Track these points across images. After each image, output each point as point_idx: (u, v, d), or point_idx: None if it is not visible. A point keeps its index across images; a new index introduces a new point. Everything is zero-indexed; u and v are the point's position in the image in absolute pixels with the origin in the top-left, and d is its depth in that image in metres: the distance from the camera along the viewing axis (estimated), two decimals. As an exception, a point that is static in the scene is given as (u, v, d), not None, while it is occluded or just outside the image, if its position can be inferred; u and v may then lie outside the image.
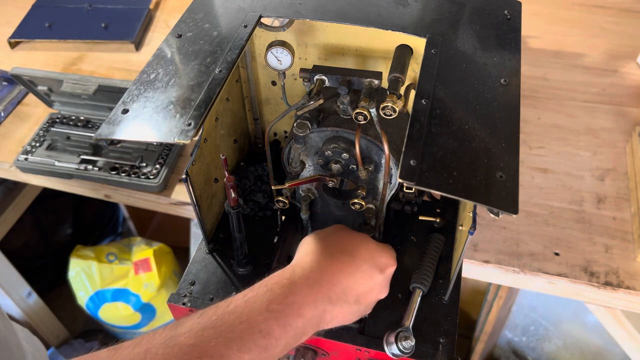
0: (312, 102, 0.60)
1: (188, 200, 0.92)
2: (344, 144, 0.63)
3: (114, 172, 1.05)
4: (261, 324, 0.50)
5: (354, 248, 0.60)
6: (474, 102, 0.55)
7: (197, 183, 0.67)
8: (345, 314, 0.57)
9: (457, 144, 0.51)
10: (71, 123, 1.14)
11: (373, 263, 0.59)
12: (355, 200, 0.64)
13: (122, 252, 1.67)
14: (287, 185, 0.67)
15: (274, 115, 0.84)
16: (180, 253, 1.81)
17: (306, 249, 0.60)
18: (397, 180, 0.66)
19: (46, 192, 1.50)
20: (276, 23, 0.70)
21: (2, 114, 1.19)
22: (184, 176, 0.63)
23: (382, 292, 0.62)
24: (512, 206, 0.48)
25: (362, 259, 0.59)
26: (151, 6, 1.44)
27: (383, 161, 0.64)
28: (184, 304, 0.67)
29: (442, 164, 0.49)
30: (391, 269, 0.62)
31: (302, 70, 0.61)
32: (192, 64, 0.59)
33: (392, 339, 0.61)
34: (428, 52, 0.59)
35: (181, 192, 1.04)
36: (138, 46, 1.35)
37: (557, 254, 0.90)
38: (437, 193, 0.53)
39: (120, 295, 1.63)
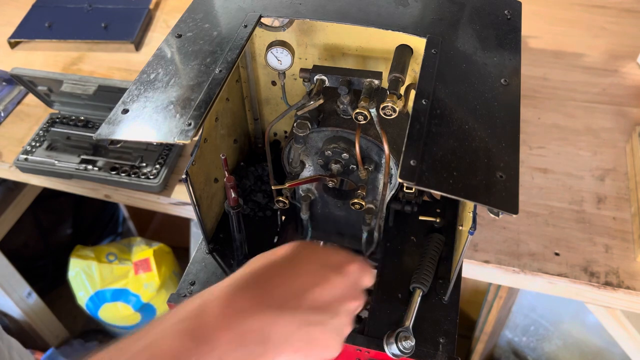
0: (312, 102, 0.60)
1: (188, 200, 0.92)
2: (344, 144, 0.63)
3: (114, 172, 1.05)
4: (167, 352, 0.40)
5: (297, 255, 0.50)
6: (474, 102, 0.55)
7: (197, 183, 0.67)
8: (298, 325, 0.45)
9: (457, 144, 0.51)
10: (71, 123, 1.14)
11: (320, 262, 0.49)
12: (355, 200, 0.64)
13: (122, 252, 1.67)
14: (287, 185, 0.67)
15: (274, 115, 0.84)
16: (180, 253, 1.81)
17: (247, 265, 0.50)
18: (397, 180, 0.66)
19: (46, 192, 1.50)
20: (276, 23, 0.70)
21: (2, 114, 1.19)
22: (184, 176, 0.63)
23: (353, 300, 0.49)
24: (512, 206, 0.48)
25: (306, 262, 0.49)
26: (151, 6, 1.44)
27: (383, 161, 0.64)
28: (184, 304, 0.67)
29: (442, 164, 0.49)
30: (350, 267, 0.50)
31: (302, 70, 0.61)
32: (192, 64, 0.59)
33: (392, 339, 0.61)
34: (428, 52, 0.59)
35: (181, 192, 1.04)
36: (138, 46, 1.35)
37: (557, 254, 0.90)
38: (437, 193, 0.53)
39: (120, 295, 1.63)
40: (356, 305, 0.50)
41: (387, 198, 0.68)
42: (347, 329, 0.50)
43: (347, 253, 0.52)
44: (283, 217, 0.79)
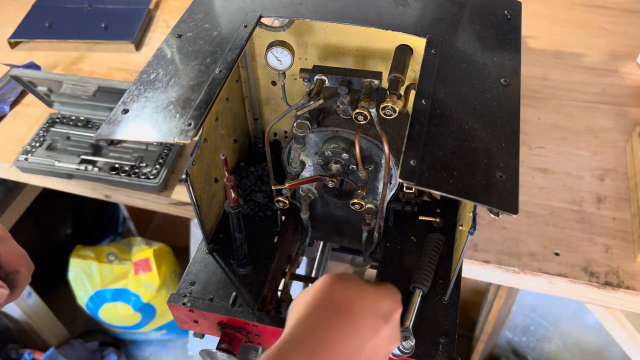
0: (312, 102, 0.60)
1: (188, 200, 0.92)
2: (344, 144, 0.63)
3: (114, 172, 1.05)
4: None
5: (350, 302, 0.51)
6: (474, 102, 0.55)
7: (197, 183, 0.67)
8: None
9: (457, 144, 0.51)
10: (71, 123, 1.14)
11: (375, 314, 0.52)
12: (355, 200, 0.64)
13: (122, 252, 1.67)
14: (287, 185, 0.67)
15: (274, 115, 0.84)
16: (180, 253, 1.81)
17: (295, 315, 0.52)
18: (397, 180, 0.66)
19: (46, 192, 1.50)
20: (276, 23, 0.70)
21: (7, 109, 1.20)
22: (184, 176, 0.63)
23: (393, 344, 0.54)
24: (512, 206, 0.48)
25: (361, 313, 0.51)
26: (151, 6, 1.44)
27: (383, 161, 0.64)
28: (184, 304, 0.67)
29: (442, 164, 0.49)
30: (397, 313, 0.54)
31: (302, 70, 0.61)
32: (192, 64, 0.59)
33: (392, 339, 0.61)
34: (428, 52, 0.59)
35: (181, 192, 1.04)
36: (138, 46, 1.35)
37: (557, 254, 0.90)
38: (437, 193, 0.53)
39: (120, 295, 1.63)
40: (395, 347, 0.55)
41: (387, 198, 0.68)
42: None
43: (393, 296, 0.55)
44: (283, 217, 0.79)
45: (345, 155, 0.63)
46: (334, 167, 0.65)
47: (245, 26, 0.63)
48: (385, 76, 0.60)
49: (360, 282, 0.55)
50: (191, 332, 1.75)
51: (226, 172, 0.62)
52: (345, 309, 0.51)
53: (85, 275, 1.62)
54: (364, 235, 0.75)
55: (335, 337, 0.48)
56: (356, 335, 0.49)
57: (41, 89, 1.09)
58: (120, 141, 0.53)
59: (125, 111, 0.55)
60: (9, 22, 1.41)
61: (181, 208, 1.08)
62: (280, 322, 0.64)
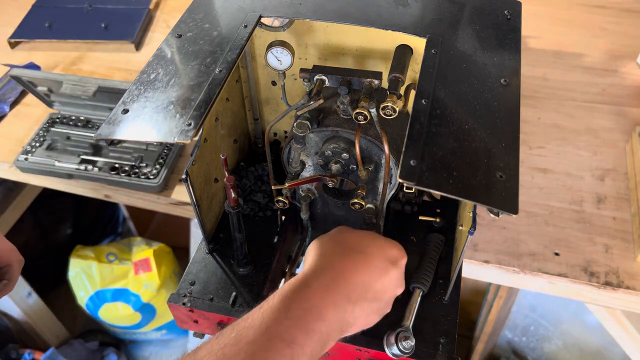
0: (312, 102, 0.60)
1: (188, 200, 0.92)
2: (344, 144, 0.63)
3: (114, 172, 1.05)
4: (283, 333, 0.48)
5: (363, 245, 0.58)
6: (474, 102, 0.55)
7: (197, 183, 0.67)
8: (366, 314, 0.55)
9: (457, 144, 0.51)
10: (71, 123, 1.14)
11: (384, 257, 0.58)
12: (355, 200, 0.64)
13: (122, 252, 1.67)
14: (287, 185, 0.67)
15: (274, 115, 0.84)
16: (180, 253, 1.81)
17: (314, 253, 0.58)
18: (397, 180, 0.66)
19: (46, 192, 1.50)
20: (276, 23, 0.70)
21: (7, 109, 1.20)
22: (184, 176, 0.63)
23: (399, 287, 0.60)
24: (512, 206, 0.48)
25: (373, 255, 0.57)
26: (151, 6, 1.44)
27: (383, 161, 0.64)
28: (184, 304, 0.67)
29: (442, 164, 0.49)
30: (403, 261, 0.60)
31: (302, 70, 0.61)
32: (192, 64, 0.59)
33: (392, 339, 0.61)
34: (428, 52, 0.59)
35: (181, 192, 1.04)
36: (138, 46, 1.35)
37: (557, 254, 0.90)
38: (437, 193, 0.53)
39: (120, 295, 1.63)
40: (400, 291, 0.60)
41: (387, 198, 0.68)
42: (389, 310, 0.60)
43: (399, 246, 0.61)
44: (283, 217, 0.79)
45: (345, 155, 0.63)
46: (334, 167, 0.65)
47: (245, 26, 0.63)
48: (385, 76, 0.60)
49: (371, 232, 0.63)
50: (191, 332, 1.75)
51: (226, 172, 0.62)
52: (359, 249, 0.57)
53: (85, 275, 1.62)
54: (364, 235, 0.75)
55: (350, 270, 0.55)
56: (368, 271, 0.56)
57: (41, 89, 1.09)
58: (120, 141, 0.53)
59: (125, 111, 0.55)
60: (9, 22, 1.41)
61: (181, 208, 1.08)
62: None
